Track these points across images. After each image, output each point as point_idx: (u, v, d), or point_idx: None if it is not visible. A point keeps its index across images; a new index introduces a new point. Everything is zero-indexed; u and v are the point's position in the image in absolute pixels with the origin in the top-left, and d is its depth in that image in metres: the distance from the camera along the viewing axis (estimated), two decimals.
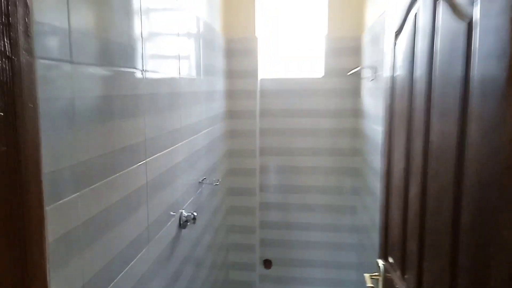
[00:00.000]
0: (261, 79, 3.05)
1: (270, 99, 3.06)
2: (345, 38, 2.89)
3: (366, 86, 2.63)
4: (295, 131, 3.07)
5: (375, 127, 2.33)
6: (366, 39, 2.66)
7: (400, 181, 1.42)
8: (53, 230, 0.89)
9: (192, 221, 1.87)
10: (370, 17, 2.51)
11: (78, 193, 0.98)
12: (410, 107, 1.32)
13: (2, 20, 0.72)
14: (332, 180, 3.10)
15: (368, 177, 2.61)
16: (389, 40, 1.57)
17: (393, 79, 1.52)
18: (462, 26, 0.95)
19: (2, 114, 0.73)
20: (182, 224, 1.83)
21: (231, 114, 3.01)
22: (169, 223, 1.68)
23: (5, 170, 0.74)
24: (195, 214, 1.88)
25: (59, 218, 0.91)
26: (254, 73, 2.94)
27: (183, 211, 1.85)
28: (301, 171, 3.12)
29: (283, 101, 3.05)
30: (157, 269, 1.55)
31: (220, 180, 2.53)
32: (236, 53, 2.93)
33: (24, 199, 0.78)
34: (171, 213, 1.71)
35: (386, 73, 1.62)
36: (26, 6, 0.77)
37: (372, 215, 2.43)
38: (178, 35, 1.78)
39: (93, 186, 1.06)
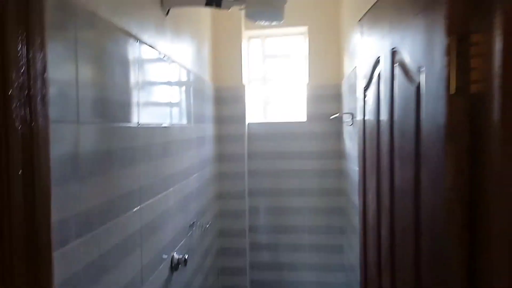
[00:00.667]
0: (249, 123, 3.22)
1: (257, 142, 3.22)
2: (325, 85, 3.10)
3: (347, 130, 2.81)
4: (282, 172, 3.21)
5: (355, 168, 2.48)
6: (344, 87, 2.86)
7: (374, 221, 1.56)
8: (58, 274, 1.00)
9: (183, 263, 1.96)
10: (348, 66, 2.73)
11: (80, 239, 1.10)
12: (378, 152, 1.47)
13: (25, 93, 0.86)
14: (319, 220, 3.21)
15: (352, 216, 2.73)
16: (360, 93, 1.75)
17: (364, 126, 1.69)
18: (412, 88, 1.12)
19: (21, 170, 0.87)
20: (174, 266, 1.91)
21: (220, 157, 3.15)
22: (161, 266, 1.77)
23: (22, 220, 0.86)
24: (186, 256, 1.97)
25: (64, 262, 1.02)
26: (242, 118, 3.11)
27: (175, 253, 1.94)
28: (289, 211, 3.23)
29: (270, 144, 3.21)
30: None
31: (210, 222, 2.63)
32: (225, 100, 3.11)
33: (36, 245, 0.89)
34: (163, 256, 1.81)
35: (358, 120, 1.79)
36: (44, 80, 0.91)
37: (358, 254, 2.53)
38: (170, 86, 1.95)
39: (93, 232, 1.17)
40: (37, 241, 0.89)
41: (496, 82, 0.78)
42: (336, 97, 3.08)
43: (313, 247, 3.23)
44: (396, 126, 1.28)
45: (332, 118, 3.04)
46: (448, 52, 0.90)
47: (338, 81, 3.06)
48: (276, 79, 3.38)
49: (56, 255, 0.99)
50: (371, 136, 1.58)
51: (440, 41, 0.93)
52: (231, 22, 3.03)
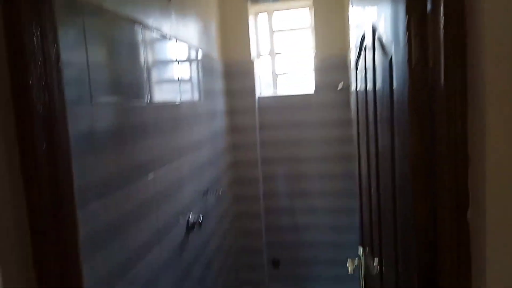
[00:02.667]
0: (259, 97, 3.35)
1: (268, 115, 3.35)
2: (332, 56, 3.17)
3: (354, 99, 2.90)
4: (292, 141, 3.35)
5: None
6: (350, 57, 2.93)
7: (365, 182, 1.69)
8: (82, 230, 1.19)
9: (198, 225, 2.16)
10: (353, 36, 2.79)
11: (100, 201, 1.29)
12: (367, 119, 1.59)
13: (43, 81, 1.03)
14: (330, 184, 3.36)
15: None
16: (352, 64, 1.85)
17: (356, 95, 1.80)
18: (386, 61, 1.23)
19: (45, 144, 1.04)
20: (189, 228, 2.12)
21: (233, 129, 3.31)
22: (177, 227, 1.97)
23: (48, 185, 1.04)
24: (201, 219, 2.18)
25: (86, 220, 1.21)
26: (252, 92, 3.24)
27: (190, 216, 2.14)
28: (301, 177, 3.39)
29: (280, 116, 3.34)
30: (168, 265, 1.84)
31: (223, 189, 2.82)
32: (234, 75, 3.24)
33: (63, 207, 1.08)
34: (179, 218, 2.01)
35: (352, 89, 1.90)
36: (58, 69, 1.08)
37: None
38: (178, 65, 2.09)
39: (111, 195, 1.36)
40: (63, 202, 1.08)
41: (441, 57, 0.89)
42: (342, 67, 3.16)
43: (326, 210, 3.40)
44: (378, 95, 1.40)
45: (340, 89, 3.13)
46: (408, 30, 1.01)
47: (344, 51, 3.13)
48: (284, 52, 3.47)
49: (79, 213, 1.18)
50: (361, 105, 1.70)
51: (402, 19, 1.04)
52: None
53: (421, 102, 1.01)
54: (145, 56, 1.68)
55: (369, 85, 1.50)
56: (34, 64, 1.00)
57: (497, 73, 0.82)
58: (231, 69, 3.23)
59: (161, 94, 1.85)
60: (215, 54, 2.95)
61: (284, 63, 3.49)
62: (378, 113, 1.40)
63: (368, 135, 1.60)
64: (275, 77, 3.53)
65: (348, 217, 3.34)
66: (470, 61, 0.87)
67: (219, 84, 3.00)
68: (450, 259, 0.92)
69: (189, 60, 2.30)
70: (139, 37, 1.63)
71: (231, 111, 3.29)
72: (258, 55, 3.47)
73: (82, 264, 1.18)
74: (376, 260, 1.58)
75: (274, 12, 3.42)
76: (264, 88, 3.50)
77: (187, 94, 2.23)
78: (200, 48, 2.53)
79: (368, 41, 1.49)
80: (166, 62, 1.94)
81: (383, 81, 1.30)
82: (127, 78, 1.52)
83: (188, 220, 2.12)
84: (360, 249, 1.90)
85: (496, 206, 0.85)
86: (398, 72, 1.12)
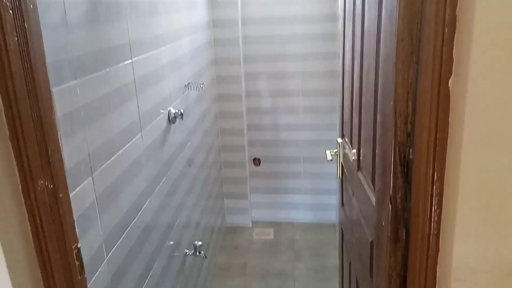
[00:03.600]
0: None
1: (251, 7, 3.19)
2: None
3: None
4: (276, 37, 3.24)
5: None
6: None
7: (349, 76, 1.68)
8: (60, 107, 1.16)
9: (180, 116, 2.15)
10: None
11: (76, 81, 1.24)
12: (354, 5, 1.52)
13: None
14: (311, 83, 3.34)
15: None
16: None
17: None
18: None
19: (11, 12, 0.97)
20: (172, 119, 2.11)
21: (214, 23, 3.16)
22: (159, 117, 1.96)
23: (19, 57, 0.99)
24: (182, 110, 2.16)
25: (63, 98, 1.18)
26: None
27: (171, 108, 2.13)
28: (284, 76, 3.36)
29: (264, 9, 3.18)
30: (151, 154, 1.86)
31: (204, 83, 2.76)
32: None
33: (35, 80, 1.03)
34: (161, 110, 1.99)
35: None
36: None
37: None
38: None
39: (87, 76, 1.31)
40: (35, 75, 1.03)
41: None
42: None
43: (307, 108, 3.43)
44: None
45: None
46: None
47: None
48: None
49: (54, 91, 1.14)
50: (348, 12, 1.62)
51: None
52: None
53: None
54: None
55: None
56: None
57: None
58: None
59: None
60: None
61: None
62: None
63: (354, 17, 1.54)
64: None
65: (329, 115, 3.39)
66: None
67: None
68: (428, 128, 0.94)
69: None
70: None
71: (212, 3, 3.11)
72: None
73: (62, 139, 1.17)
74: (355, 150, 1.62)
75: None
76: None
77: None
78: None
79: None
80: None
81: None
82: None
83: (170, 111, 2.11)
84: (339, 140, 1.95)
85: (478, 76, 0.84)
86: None
